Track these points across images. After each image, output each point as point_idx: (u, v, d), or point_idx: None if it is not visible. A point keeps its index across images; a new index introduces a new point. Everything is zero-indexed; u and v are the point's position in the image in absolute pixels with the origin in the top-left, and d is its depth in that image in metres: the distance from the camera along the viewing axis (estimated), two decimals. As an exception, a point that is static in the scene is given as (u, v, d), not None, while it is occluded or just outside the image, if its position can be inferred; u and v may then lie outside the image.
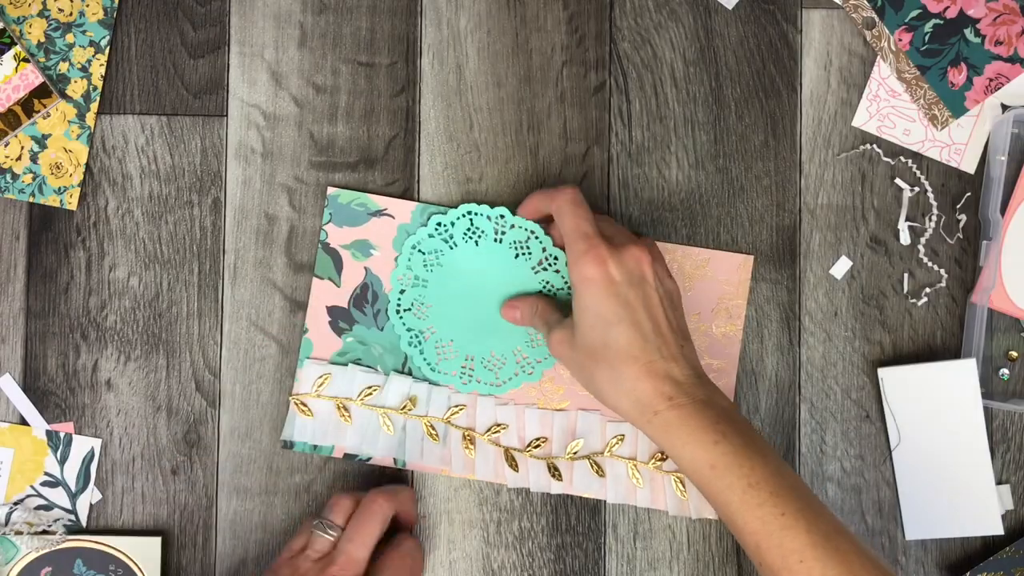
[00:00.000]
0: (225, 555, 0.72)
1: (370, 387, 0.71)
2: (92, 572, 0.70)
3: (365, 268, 0.72)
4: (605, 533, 0.72)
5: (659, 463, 0.70)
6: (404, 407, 0.71)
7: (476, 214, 0.70)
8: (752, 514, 0.60)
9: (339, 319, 0.72)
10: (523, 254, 0.70)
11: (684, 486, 0.70)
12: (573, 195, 0.66)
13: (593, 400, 0.71)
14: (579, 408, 0.72)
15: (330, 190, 0.72)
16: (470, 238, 0.71)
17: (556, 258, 0.70)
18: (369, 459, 0.71)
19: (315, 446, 0.71)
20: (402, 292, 0.71)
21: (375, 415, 0.71)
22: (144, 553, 0.70)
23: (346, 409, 0.71)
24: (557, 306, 0.69)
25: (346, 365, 0.72)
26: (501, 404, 0.71)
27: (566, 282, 0.70)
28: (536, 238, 0.70)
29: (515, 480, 0.71)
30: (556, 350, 0.66)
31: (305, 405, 0.71)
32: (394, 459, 0.71)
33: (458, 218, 0.70)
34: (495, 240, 0.70)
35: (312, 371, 0.71)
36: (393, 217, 0.72)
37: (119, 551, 0.70)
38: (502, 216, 0.70)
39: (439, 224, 0.71)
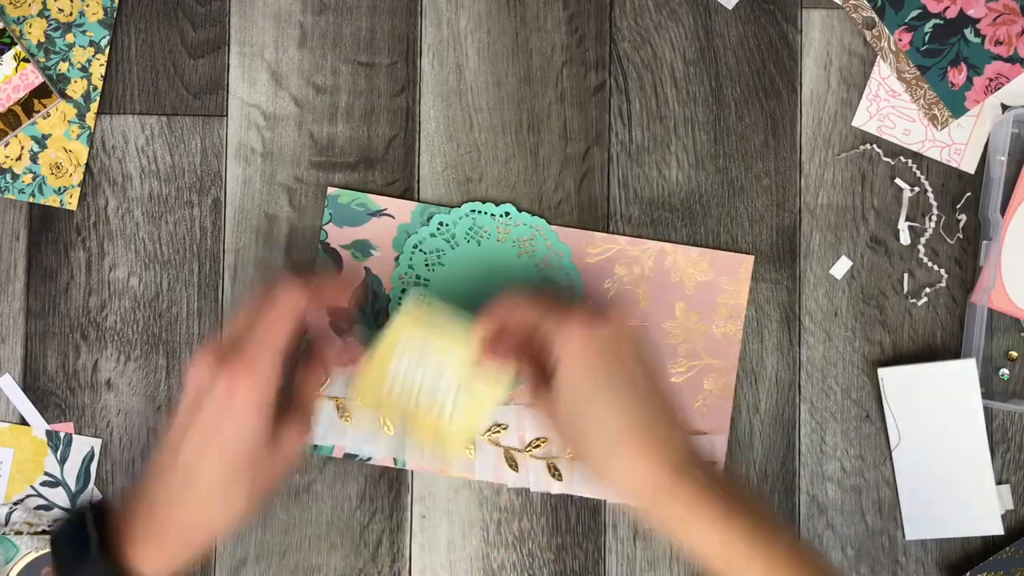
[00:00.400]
0: (225, 555, 0.72)
1: None
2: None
3: (365, 268, 0.72)
4: (605, 533, 0.72)
5: (659, 463, 0.70)
6: None
7: (480, 212, 0.70)
8: None
9: (339, 319, 0.72)
10: (527, 252, 0.70)
11: None
12: (507, 298, 0.61)
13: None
14: (579, 408, 0.72)
15: (330, 190, 0.72)
16: (472, 238, 0.71)
17: (561, 254, 0.70)
18: (369, 459, 0.71)
19: (315, 446, 0.71)
20: (403, 291, 0.71)
21: (375, 415, 0.71)
22: (144, 553, 0.70)
23: (346, 409, 0.71)
24: (544, 363, 0.62)
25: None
26: (501, 404, 0.71)
27: (567, 275, 0.70)
28: (542, 235, 0.70)
29: (515, 480, 0.71)
30: (542, 408, 0.63)
31: None
32: (394, 459, 0.71)
33: (461, 217, 0.70)
34: (498, 240, 0.70)
35: None
36: (393, 217, 0.72)
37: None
38: (506, 214, 0.70)
39: (441, 223, 0.71)
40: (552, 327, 0.60)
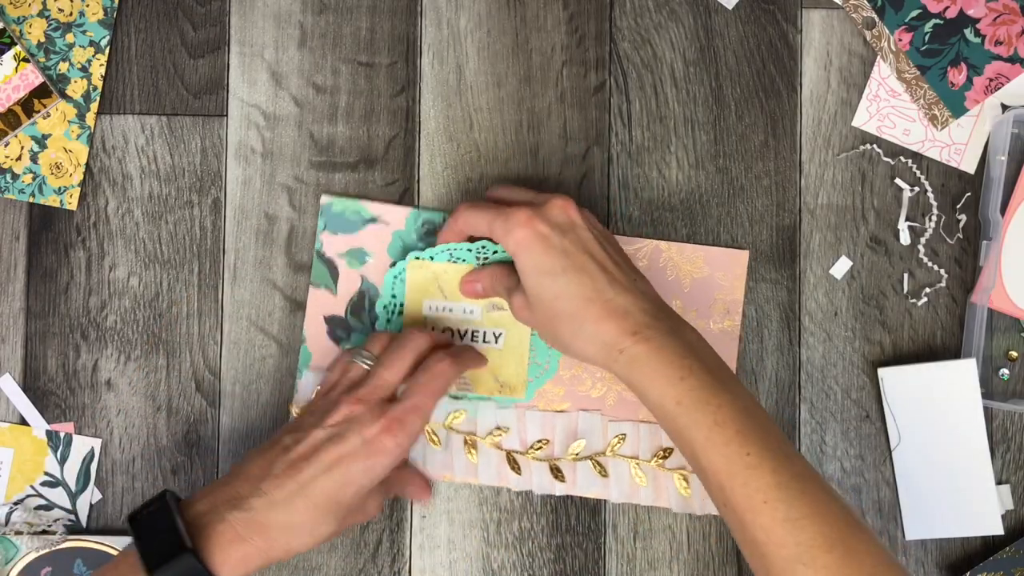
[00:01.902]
0: (225, 555, 0.72)
1: None
2: (92, 572, 0.70)
3: (361, 276, 0.72)
4: (605, 533, 0.72)
5: (661, 461, 0.70)
6: None
7: (457, 247, 0.69)
8: (717, 452, 0.58)
9: (336, 328, 0.72)
10: None
11: (688, 483, 0.70)
12: (464, 205, 0.66)
13: (594, 401, 0.71)
14: (580, 409, 0.72)
15: (324, 199, 0.72)
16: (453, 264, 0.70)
17: None
18: None
19: None
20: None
21: None
22: (144, 553, 0.70)
23: None
24: (514, 271, 0.67)
25: None
26: (501, 407, 0.71)
27: None
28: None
29: (518, 483, 0.71)
30: (519, 315, 0.66)
31: None
32: None
33: (439, 253, 0.69)
34: (477, 264, 0.70)
35: (311, 381, 0.71)
36: (387, 224, 0.72)
37: (119, 551, 0.70)
38: (483, 247, 0.68)
39: (417, 259, 0.70)
40: (500, 229, 0.63)
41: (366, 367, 0.64)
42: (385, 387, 0.63)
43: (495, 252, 0.68)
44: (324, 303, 0.72)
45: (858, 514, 0.62)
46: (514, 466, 0.71)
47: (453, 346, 0.68)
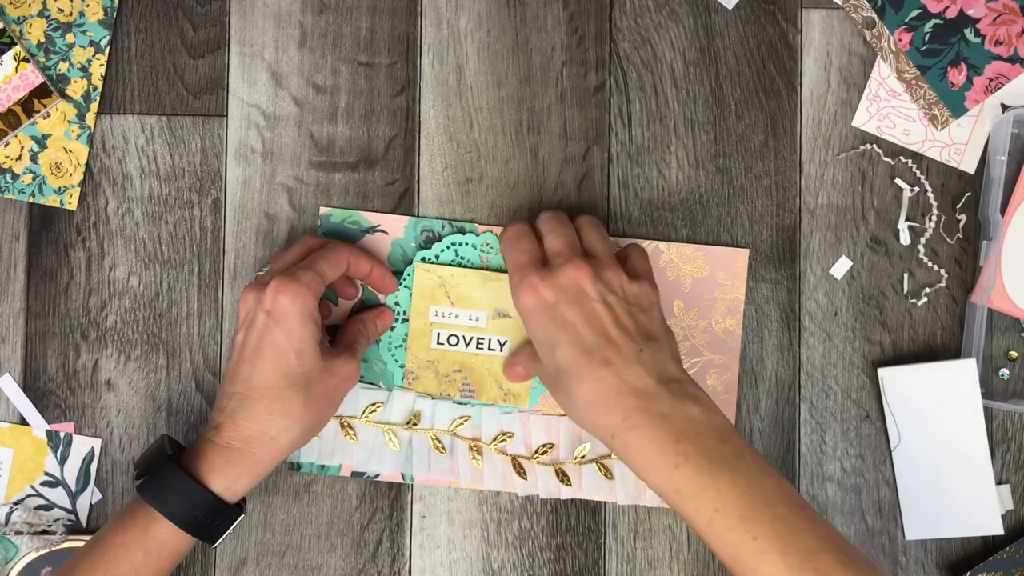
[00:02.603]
0: (225, 555, 0.72)
1: (373, 404, 0.71)
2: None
3: (362, 285, 0.72)
4: (605, 533, 0.72)
5: (659, 463, 0.71)
6: (409, 422, 0.71)
7: (461, 244, 0.70)
8: (722, 540, 0.56)
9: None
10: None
11: None
12: (511, 231, 0.66)
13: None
14: (580, 409, 0.72)
15: (322, 210, 0.72)
16: (458, 266, 0.71)
17: None
18: (377, 476, 0.71)
19: (322, 466, 0.71)
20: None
21: (380, 432, 0.71)
22: (144, 553, 0.70)
23: (351, 427, 0.71)
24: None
25: None
26: (505, 412, 0.71)
27: None
28: None
29: (524, 488, 0.71)
30: (544, 383, 0.67)
31: None
32: (402, 474, 0.71)
33: (444, 250, 0.70)
34: (481, 268, 0.70)
35: None
36: (387, 233, 0.72)
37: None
38: (487, 244, 0.70)
39: (424, 259, 0.70)
40: (512, 287, 0.64)
41: (263, 271, 0.67)
42: (273, 272, 0.65)
43: (499, 251, 0.69)
44: (326, 313, 0.71)
45: (880, 570, 0.59)
46: (520, 471, 0.71)
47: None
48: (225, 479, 0.61)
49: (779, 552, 0.55)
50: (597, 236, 0.66)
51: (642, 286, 0.64)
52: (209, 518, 0.61)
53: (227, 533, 0.63)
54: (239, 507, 0.63)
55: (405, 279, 0.71)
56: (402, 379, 0.71)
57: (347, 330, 0.69)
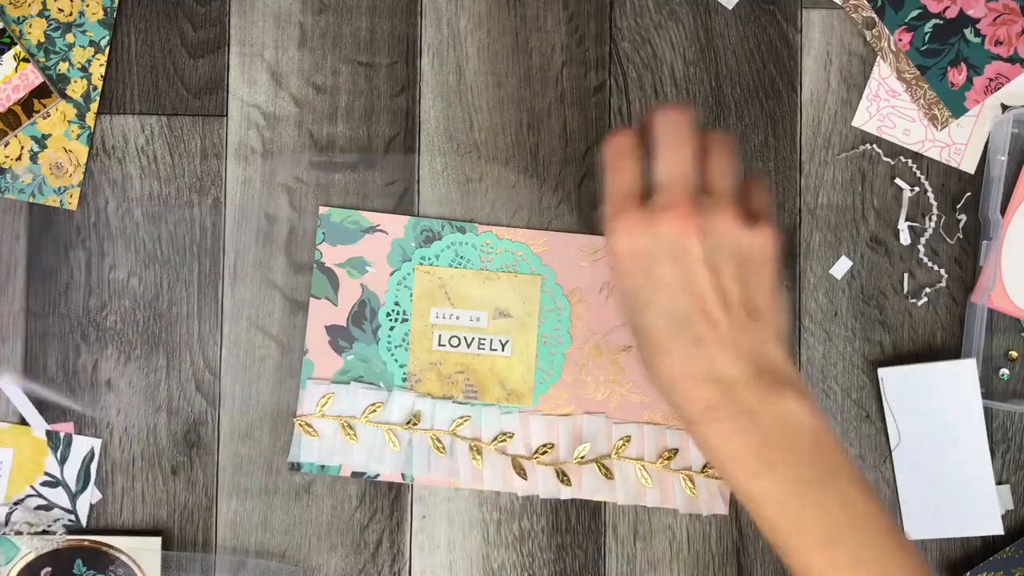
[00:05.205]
0: (225, 555, 0.72)
1: (374, 404, 0.71)
2: (92, 572, 0.70)
3: (361, 285, 0.72)
4: (605, 533, 0.72)
5: (666, 462, 0.70)
6: (409, 422, 0.71)
7: (461, 243, 0.70)
8: (798, 560, 0.51)
9: (338, 338, 0.72)
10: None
11: (693, 484, 0.70)
12: (615, 144, 0.55)
13: (598, 404, 0.71)
14: (584, 412, 0.71)
15: (322, 209, 0.72)
16: (456, 267, 0.71)
17: (545, 277, 0.70)
18: (377, 476, 0.71)
19: (322, 466, 0.71)
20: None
21: (380, 432, 0.71)
22: (144, 553, 0.70)
23: (351, 428, 0.71)
24: None
25: (348, 384, 0.71)
26: (505, 413, 0.71)
27: (552, 298, 0.71)
28: (524, 260, 0.70)
29: (524, 488, 0.71)
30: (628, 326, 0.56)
31: (310, 426, 0.71)
32: (402, 474, 0.71)
33: (444, 249, 0.71)
34: (481, 268, 0.71)
35: (315, 391, 0.71)
36: (387, 233, 0.72)
37: (119, 551, 0.70)
38: (488, 245, 0.70)
39: (423, 258, 0.71)
40: (606, 221, 0.54)
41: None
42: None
43: (500, 252, 0.69)
44: (325, 313, 0.72)
45: None
46: (520, 471, 0.71)
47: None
48: None
49: None
50: (723, 165, 0.55)
51: (760, 235, 0.53)
52: None
53: None
54: None
55: (405, 280, 0.71)
56: (403, 381, 0.71)
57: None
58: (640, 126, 0.57)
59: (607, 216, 0.54)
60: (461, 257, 0.71)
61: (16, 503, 0.71)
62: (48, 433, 0.72)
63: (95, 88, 0.72)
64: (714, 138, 0.56)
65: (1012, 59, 0.72)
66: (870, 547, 0.51)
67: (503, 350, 0.71)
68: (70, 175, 0.72)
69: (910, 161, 0.73)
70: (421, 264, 0.71)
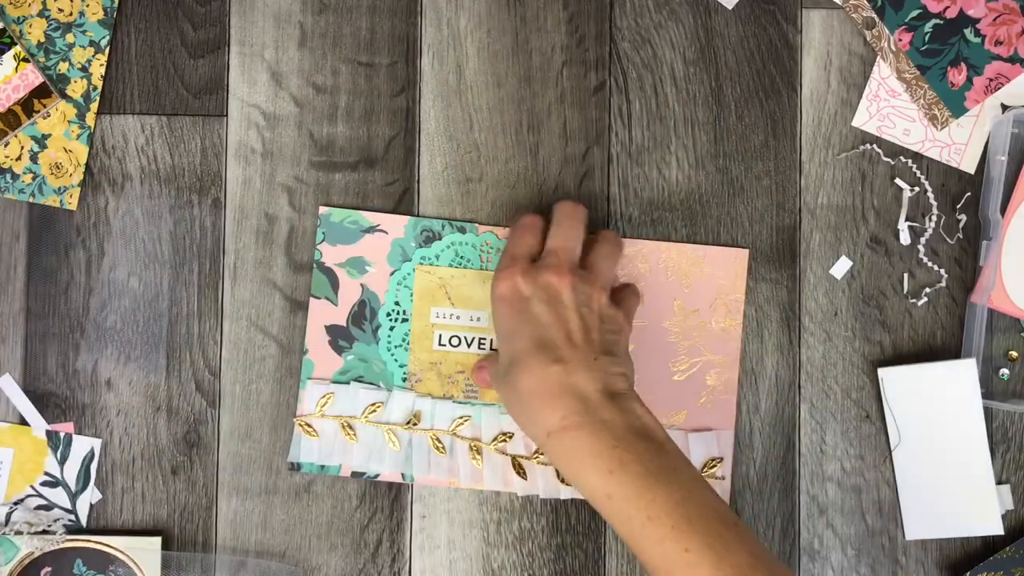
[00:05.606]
0: (225, 555, 0.72)
1: (373, 404, 0.71)
2: (92, 572, 0.70)
3: (361, 285, 0.72)
4: (605, 533, 0.72)
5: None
6: (409, 422, 0.71)
7: (461, 243, 0.71)
8: (653, 550, 0.56)
9: (338, 338, 0.72)
10: None
11: None
12: (523, 221, 0.66)
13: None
14: (579, 408, 0.72)
15: (322, 209, 0.72)
16: (458, 267, 0.71)
17: None
18: (377, 476, 0.71)
19: (322, 466, 0.71)
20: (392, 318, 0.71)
21: (380, 432, 0.71)
22: (144, 553, 0.70)
23: (351, 428, 0.71)
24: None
25: (348, 383, 0.71)
26: (505, 413, 0.71)
27: None
28: None
29: (524, 488, 0.71)
30: (495, 381, 0.65)
31: (310, 426, 0.71)
32: (402, 474, 0.71)
33: (443, 250, 0.71)
34: (481, 268, 0.71)
35: (315, 391, 0.71)
36: (387, 232, 0.72)
37: (119, 551, 0.70)
38: (487, 244, 0.70)
39: (423, 258, 0.71)
40: (496, 270, 0.65)
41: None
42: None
43: (500, 251, 0.69)
44: (325, 313, 0.72)
45: None
46: (519, 471, 0.71)
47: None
48: None
49: (712, 565, 0.55)
50: (606, 256, 0.66)
51: (620, 315, 0.64)
52: None
53: None
54: None
55: (405, 280, 0.71)
56: (403, 381, 0.71)
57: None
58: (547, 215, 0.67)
59: (497, 268, 0.64)
60: (461, 257, 0.71)
61: (16, 503, 0.71)
62: (48, 433, 0.72)
63: (95, 88, 0.72)
64: (604, 233, 0.68)
65: (1012, 59, 0.72)
66: (718, 534, 0.55)
67: None
68: (70, 175, 0.72)
69: (910, 161, 0.73)
70: (421, 264, 0.71)
